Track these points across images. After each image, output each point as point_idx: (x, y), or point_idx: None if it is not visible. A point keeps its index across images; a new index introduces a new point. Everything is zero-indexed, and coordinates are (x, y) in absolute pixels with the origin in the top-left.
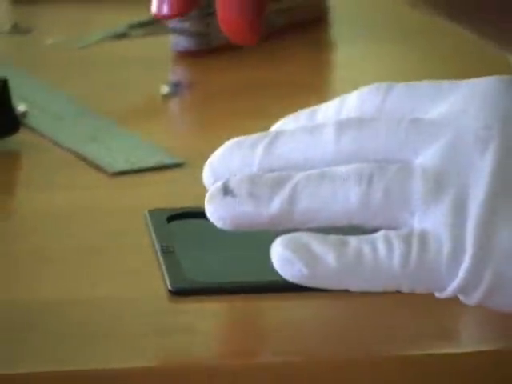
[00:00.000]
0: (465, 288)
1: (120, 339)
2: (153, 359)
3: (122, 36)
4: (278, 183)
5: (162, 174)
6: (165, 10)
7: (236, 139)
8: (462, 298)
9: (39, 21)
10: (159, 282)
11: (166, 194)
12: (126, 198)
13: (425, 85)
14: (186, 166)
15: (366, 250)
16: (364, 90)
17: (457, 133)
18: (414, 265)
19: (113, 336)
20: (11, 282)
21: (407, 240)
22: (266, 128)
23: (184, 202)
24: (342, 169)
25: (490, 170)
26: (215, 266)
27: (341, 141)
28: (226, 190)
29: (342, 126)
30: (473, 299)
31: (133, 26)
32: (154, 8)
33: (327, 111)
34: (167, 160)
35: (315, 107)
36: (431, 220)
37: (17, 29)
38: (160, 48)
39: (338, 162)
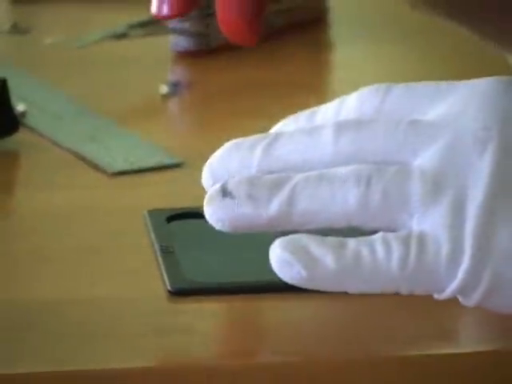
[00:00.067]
0: (464, 289)
1: (119, 339)
2: (152, 359)
3: (121, 36)
4: (277, 185)
5: (161, 174)
6: (165, 10)
7: (235, 141)
8: (460, 299)
9: (39, 20)
10: (158, 282)
11: (166, 194)
12: (125, 197)
13: (424, 86)
14: (185, 166)
15: (365, 252)
16: (363, 91)
17: (455, 134)
18: (413, 267)
19: (112, 336)
20: (10, 282)
21: (406, 242)
22: (265, 128)
23: (183, 202)
24: (340, 170)
25: (488, 170)
26: (214, 267)
27: (339, 142)
28: (225, 192)
29: (341, 127)
30: (472, 300)
31: (132, 26)
32: (153, 8)
33: (326, 112)
34: (166, 160)
35: (315, 108)
36: (430, 222)
37: (16, 28)
38: (159, 48)
39: (337, 163)
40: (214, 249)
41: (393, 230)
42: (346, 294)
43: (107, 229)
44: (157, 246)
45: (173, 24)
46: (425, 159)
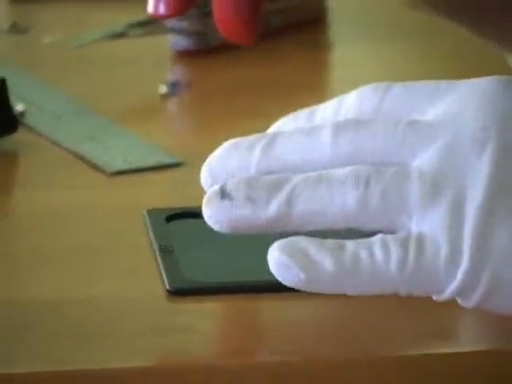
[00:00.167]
0: (463, 291)
1: (118, 339)
2: (151, 359)
3: (120, 35)
4: (276, 186)
5: (160, 173)
6: (161, 9)
7: (233, 140)
8: (460, 300)
9: (37, 20)
10: (157, 281)
11: (165, 193)
12: (124, 197)
13: (423, 85)
14: (184, 165)
15: (363, 254)
16: (362, 90)
17: (454, 134)
18: (412, 269)
19: (111, 336)
20: (9, 282)
21: (404, 244)
22: (264, 128)
23: (183, 202)
24: (339, 171)
25: (487, 171)
26: (213, 266)
27: (338, 143)
28: (224, 194)
29: (339, 127)
30: (471, 302)
31: (131, 26)
32: (150, 7)
33: (326, 111)
34: (166, 159)
35: (314, 107)
36: (429, 223)
37: (15, 28)
38: (158, 47)
39: (336, 163)
40: (213, 248)
41: (392, 231)
42: (344, 294)
43: (106, 228)
44: (156, 246)
45: (171, 23)
46: (423, 160)
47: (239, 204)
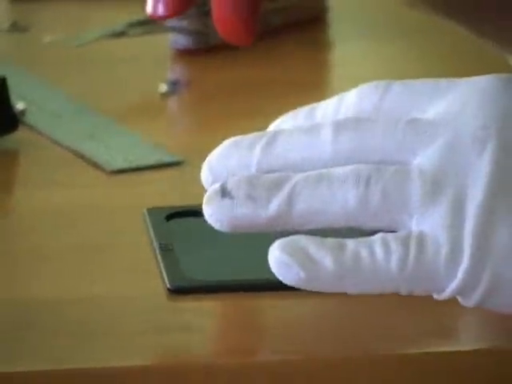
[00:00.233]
0: (463, 289)
1: (118, 337)
2: (151, 357)
3: (120, 34)
4: (276, 185)
5: (160, 172)
6: (160, 10)
7: (233, 139)
8: (460, 299)
9: (38, 19)
10: (158, 280)
11: (165, 192)
12: (124, 196)
13: (423, 83)
14: (184, 164)
15: (364, 253)
16: (362, 89)
17: (455, 133)
18: (412, 267)
19: (111, 334)
20: (9, 281)
21: (405, 243)
22: (263, 127)
23: (183, 201)
24: (339, 170)
25: (488, 170)
26: (214, 265)
27: (338, 141)
28: (224, 192)
29: (340, 126)
30: (471, 301)
31: (131, 25)
32: (149, 8)
33: (326, 109)
34: (166, 158)
35: (314, 105)
36: (429, 222)
37: (15, 27)
38: (158, 46)
39: (336, 162)
40: (214, 247)
41: (393, 230)
42: (344, 293)
43: (106, 227)
44: (156, 244)
45: (171, 22)
46: (424, 159)
47: (240, 203)
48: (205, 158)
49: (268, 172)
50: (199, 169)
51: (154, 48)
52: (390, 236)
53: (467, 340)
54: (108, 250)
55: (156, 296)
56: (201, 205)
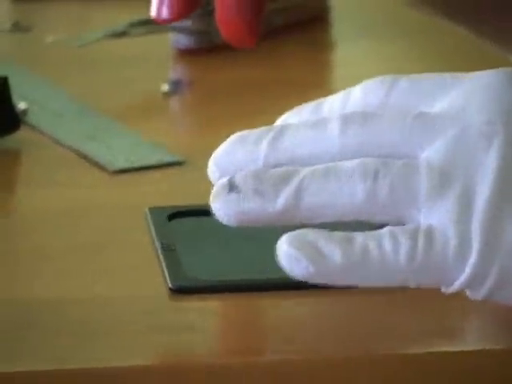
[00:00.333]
0: (472, 283)
1: (120, 337)
2: (153, 357)
3: (122, 34)
4: (284, 179)
5: (162, 171)
6: (164, 13)
7: (240, 133)
8: (468, 292)
9: (40, 19)
10: (160, 279)
11: (167, 192)
12: (126, 196)
13: (429, 78)
14: (186, 164)
15: (372, 246)
16: (368, 84)
17: (461, 127)
18: (421, 260)
19: (113, 334)
20: (11, 280)
21: (413, 236)
22: (265, 126)
23: (185, 200)
24: (347, 164)
25: (495, 165)
26: (216, 264)
27: (346, 135)
28: (232, 187)
29: (347, 120)
30: (479, 294)
31: (133, 24)
32: (153, 11)
33: (332, 104)
34: (167, 158)
35: (320, 100)
36: (437, 216)
37: (17, 27)
38: (160, 46)
39: (343, 156)
40: (216, 246)
41: (401, 224)
42: (346, 291)
43: (108, 227)
44: (158, 244)
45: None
46: (431, 152)
47: (247, 197)
48: (207, 158)
49: (275, 166)
50: (201, 169)
51: (156, 48)
52: (398, 229)
53: (469, 340)
54: (110, 249)
55: (158, 296)
56: (203, 204)
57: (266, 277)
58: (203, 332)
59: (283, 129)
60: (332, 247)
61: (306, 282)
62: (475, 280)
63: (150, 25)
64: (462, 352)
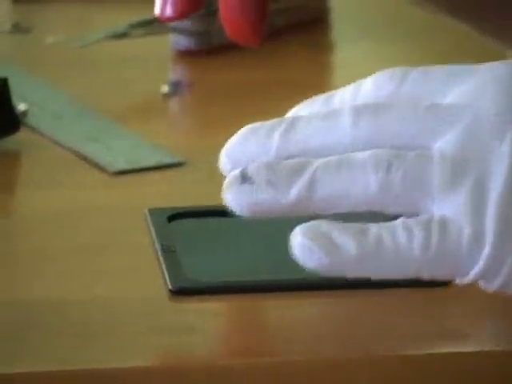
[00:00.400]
0: (486, 274)
1: (120, 338)
2: (153, 358)
3: (122, 35)
4: (297, 170)
5: (162, 173)
6: (168, 11)
7: (251, 125)
8: (482, 283)
9: (40, 20)
10: (160, 281)
11: (167, 193)
12: (126, 197)
13: (440, 70)
14: (186, 165)
15: (386, 237)
16: (379, 76)
17: (474, 118)
18: (434, 251)
19: (113, 335)
20: (11, 281)
21: (427, 227)
22: None
23: (184, 202)
24: (359, 155)
25: (508, 155)
26: (216, 266)
27: (358, 126)
28: (244, 178)
29: (359, 111)
30: (493, 285)
31: (133, 26)
32: (157, 10)
33: (343, 97)
34: (167, 159)
35: (330, 92)
36: (451, 206)
37: (17, 28)
38: (160, 47)
39: (355, 147)
40: (215, 248)
41: (414, 214)
42: (346, 292)
43: (108, 228)
44: (158, 245)
45: (173, 23)
46: (444, 143)
47: (260, 188)
48: (207, 159)
49: (287, 158)
50: (201, 170)
51: (156, 49)
52: (411, 220)
53: (469, 341)
54: (110, 251)
55: (158, 297)
56: (202, 206)
57: (267, 278)
58: (203, 333)
59: (295, 120)
60: (346, 238)
61: (306, 284)
62: (489, 271)
63: (150, 26)
64: (462, 353)
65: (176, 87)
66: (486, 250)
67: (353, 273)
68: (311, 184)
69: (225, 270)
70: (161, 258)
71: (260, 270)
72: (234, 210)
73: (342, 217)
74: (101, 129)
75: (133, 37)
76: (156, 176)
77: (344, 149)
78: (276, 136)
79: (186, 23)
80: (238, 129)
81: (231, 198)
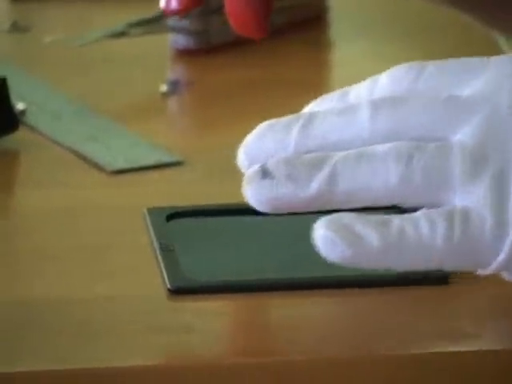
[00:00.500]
0: (509, 264)
1: (120, 337)
2: (152, 357)
3: (121, 34)
4: (317, 164)
5: (161, 172)
6: (173, 4)
7: (268, 122)
8: (505, 274)
9: (38, 19)
10: (158, 280)
11: (165, 192)
12: (125, 196)
13: (457, 63)
14: (185, 164)
15: (409, 228)
16: (395, 70)
17: (492, 109)
18: (457, 241)
19: (113, 334)
20: (11, 281)
21: (449, 217)
22: None
23: (183, 201)
24: (379, 148)
25: None
26: (214, 265)
27: (376, 120)
28: (265, 173)
29: (377, 105)
30: None
31: (132, 25)
32: (162, 3)
33: (358, 92)
34: (166, 158)
35: (345, 89)
36: (472, 197)
37: (16, 27)
38: (159, 46)
39: (374, 141)
40: (214, 247)
41: (435, 206)
42: (348, 291)
43: (107, 227)
44: (156, 245)
45: (172, 22)
46: (464, 135)
47: (280, 182)
48: (206, 158)
49: (305, 154)
50: (200, 169)
51: (155, 48)
52: (433, 211)
53: (472, 340)
54: (108, 250)
55: (157, 296)
56: (201, 205)
57: (265, 277)
58: (202, 332)
59: (312, 116)
60: (368, 230)
61: (305, 283)
62: None
63: (149, 25)
64: (465, 352)
65: (175, 86)
66: (509, 240)
67: (375, 264)
68: (331, 177)
69: (223, 270)
70: (159, 257)
71: (259, 269)
72: (253, 205)
73: (359, 212)
74: (100, 128)
75: (131, 36)
76: (155, 175)
77: (362, 143)
78: (294, 131)
79: (184, 22)
80: (237, 127)
81: (251, 193)
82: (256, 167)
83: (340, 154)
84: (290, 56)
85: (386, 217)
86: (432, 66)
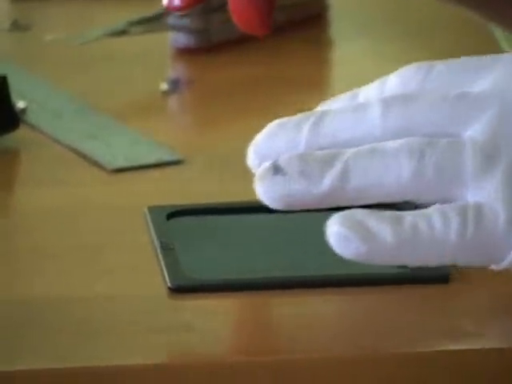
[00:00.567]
0: None
1: (120, 336)
2: (153, 356)
3: (121, 33)
4: (329, 161)
5: (161, 170)
6: (176, 1)
7: (278, 121)
8: None
9: (39, 17)
10: (159, 279)
11: (166, 190)
12: (125, 194)
13: (466, 61)
14: (185, 162)
15: (422, 224)
16: (404, 70)
17: (503, 106)
18: (471, 237)
19: (113, 333)
20: (11, 279)
21: (462, 212)
22: (264, 125)
23: (183, 199)
24: (391, 144)
25: None
26: (215, 264)
27: (388, 117)
28: (277, 169)
29: (388, 102)
30: None
31: (132, 23)
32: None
33: (368, 93)
34: (167, 157)
35: (355, 90)
36: (485, 193)
37: (16, 25)
38: (159, 45)
39: (385, 138)
40: (215, 245)
41: (447, 202)
42: (352, 289)
43: (108, 226)
44: (157, 243)
45: (173, 20)
46: (475, 131)
47: (293, 179)
48: (206, 157)
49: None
50: (200, 167)
51: (155, 46)
52: (446, 206)
53: (477, 339)
54: (109, 248)
55: (157, 295)
56: (201, 203)
57: (266, 276)
58: (202, 331)
59: (323, 114)
60: (382, 226)
61: (306, 281)
62: None
63: (150, 23)
64: (469, 350)
65: (175, 85)
66: None
67: (389, 260)
68: (344, 174)
69: (224, 268)
70: (160, 256)
71: (259, 267)
72: (266, 202)
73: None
74: (100, 126)
75: (132, 34)
76: (155, 173)
77: (374, 140)
78: (305, 130)
79: (185, 21)
80: (238, 126)
81: (263, 190)
82: (268, 164)
83: (352, 151)
84: (291, 54)
85: (399, 213)
86: (441, 65)
